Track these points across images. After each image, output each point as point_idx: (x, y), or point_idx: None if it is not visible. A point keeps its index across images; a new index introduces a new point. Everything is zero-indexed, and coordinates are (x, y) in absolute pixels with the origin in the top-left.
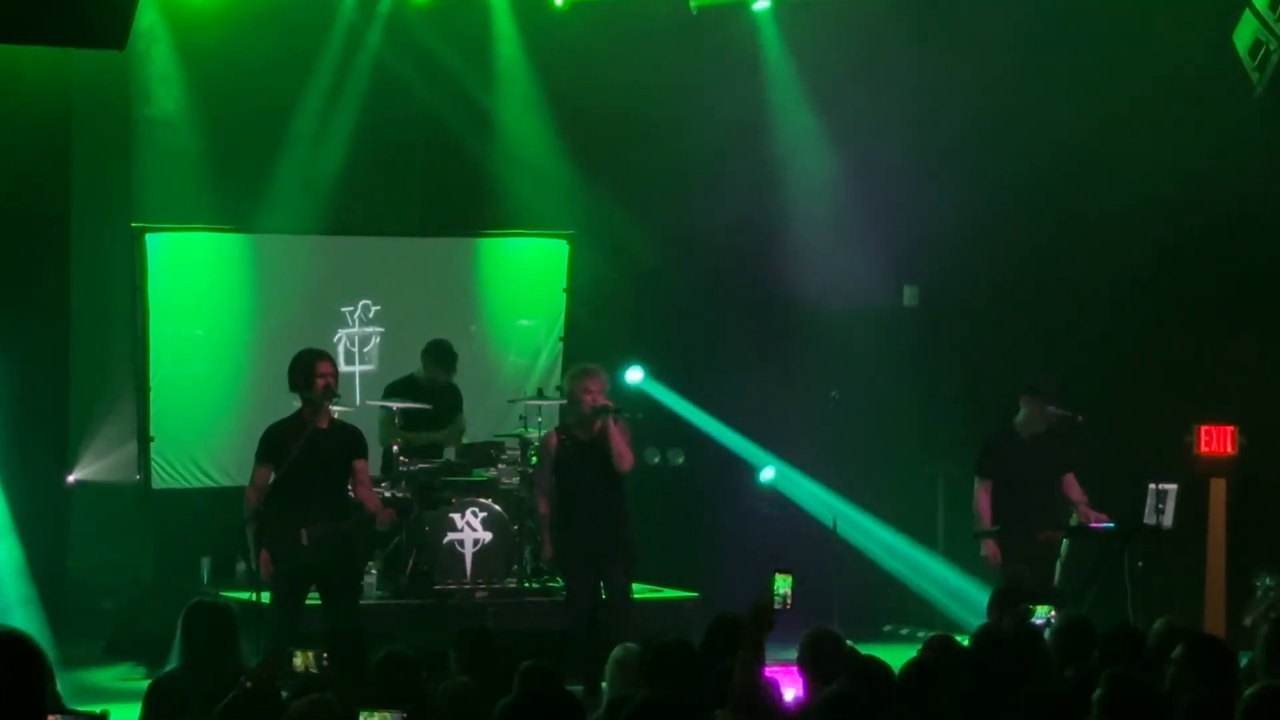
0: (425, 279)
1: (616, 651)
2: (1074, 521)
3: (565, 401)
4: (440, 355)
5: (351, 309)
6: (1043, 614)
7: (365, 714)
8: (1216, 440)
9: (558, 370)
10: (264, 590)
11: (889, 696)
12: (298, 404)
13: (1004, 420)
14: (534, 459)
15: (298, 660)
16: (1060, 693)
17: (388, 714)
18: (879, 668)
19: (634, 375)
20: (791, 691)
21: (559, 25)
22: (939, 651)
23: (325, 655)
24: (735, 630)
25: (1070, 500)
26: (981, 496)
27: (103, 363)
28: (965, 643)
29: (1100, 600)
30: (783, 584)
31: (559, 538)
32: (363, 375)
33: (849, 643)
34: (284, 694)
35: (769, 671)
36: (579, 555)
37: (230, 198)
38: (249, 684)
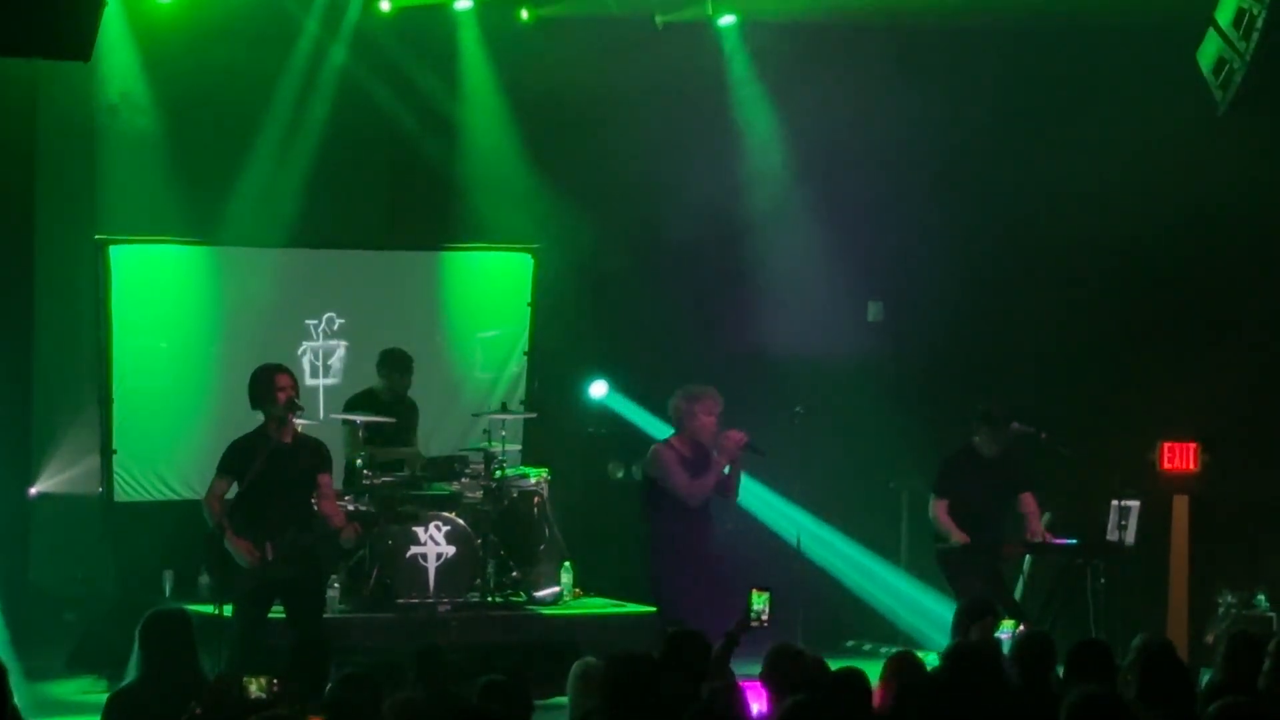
0: (390, 292)
1: (577, 666)
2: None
3: (675, 416)
4: (395, 363)
5: (316, 322)
6: (1008, 628)
7: None
8: (1179, 457)
9: (522, 384)
10: (227, 604)
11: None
12: (262, 417)
13: (966, 436)
14: (499, 473)
15: (250, 686)
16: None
17: None
18: (853, 676)
19: (598, 389)
20: (756, 706)
21: (525, 39)
22: (903, 669)
23: (276, 681)
24: (692, 644)
25: (1023, 514)
26: (941, 514)
27: (66, 375)
28: (927, 659)
29: (1062, 617)
30: (759, 601)
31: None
32: (327, 389)
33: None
34: None
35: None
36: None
37: (195, 210)
38: (198, 710)
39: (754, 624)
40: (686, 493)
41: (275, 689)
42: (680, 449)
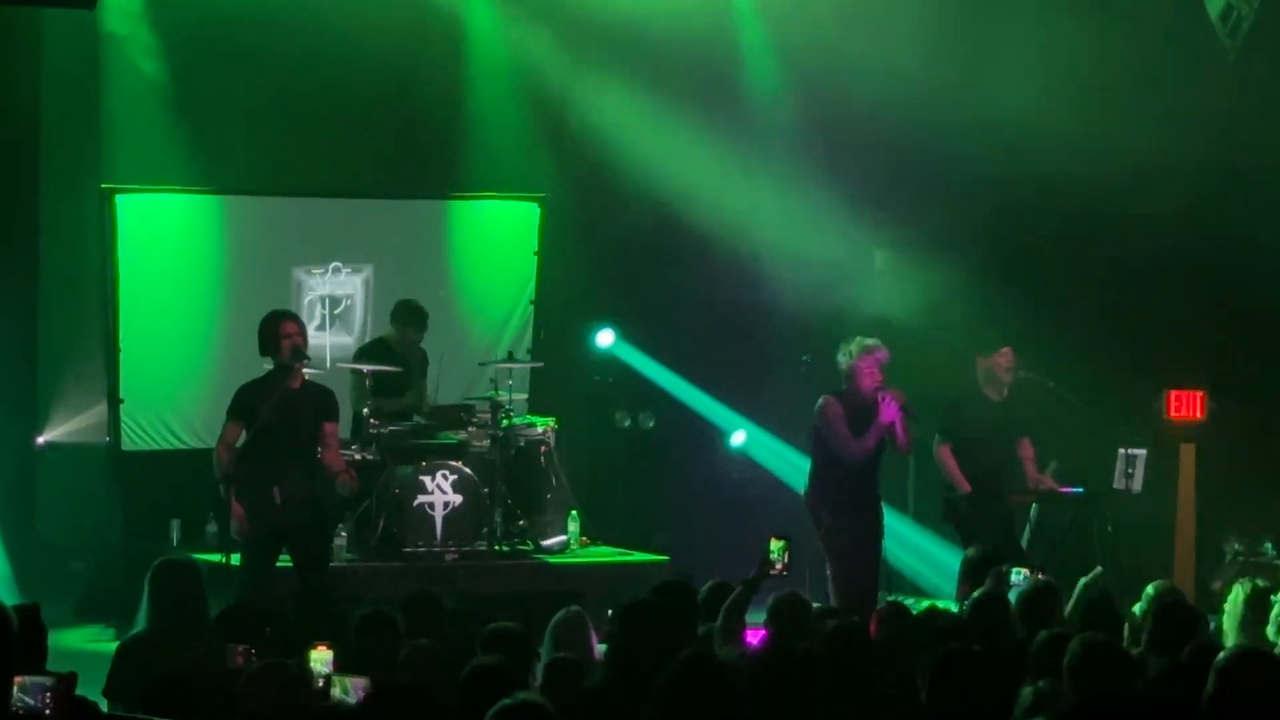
0: (396, 241)
1: (558, 615)
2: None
3: (843, 370)
4: (410, 315)
5: (322, 271)
6: (1018, 576)
7: (337, 678)
8: (1186, 405)
9: (528, 333)
10: (234, 552)
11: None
12: (269, 365)
13: (971, 381)
14: (506, 422)
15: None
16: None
17: (355, 678)
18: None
19: (605, 338)
20: None
21: None
22: (892, 619)
23: (254, 650)
24: (681, 592)
25: (1020, 459)
26: (946, 457)
27: (72, 324)
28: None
29: (1069, 565)
30: (777, 548)
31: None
32: (333, 337)
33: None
34: None
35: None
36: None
37: (201, 159)
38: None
39: (773, 572)
40: (846, 451)
41: (253, 655)
42: (847, 403)
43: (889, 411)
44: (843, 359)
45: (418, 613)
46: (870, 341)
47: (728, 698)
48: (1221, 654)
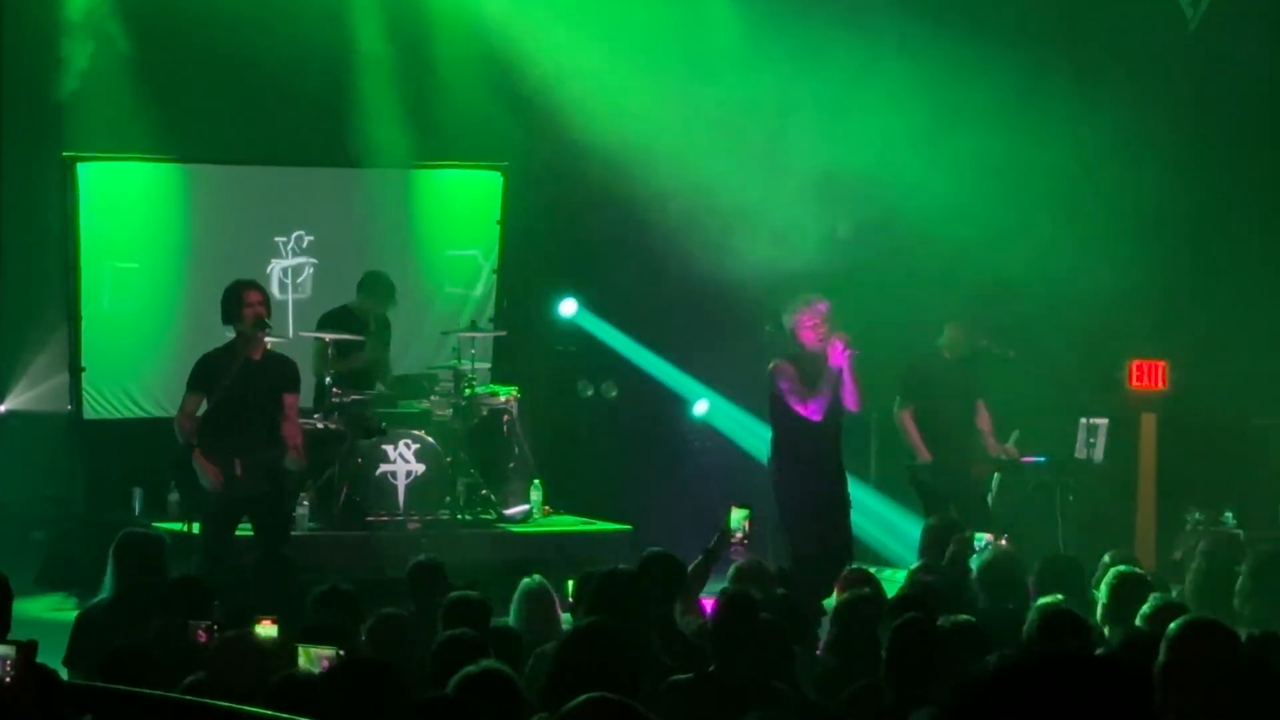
0: (359, 210)
1: (525, 582)
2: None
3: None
4: (378, 287)
5: (285, 240)
6: (981, 541)
7: (303, 648)
8: (1148, 375)
9: (491, 302)
10: (195, 521)
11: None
12: (232, 334)
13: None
14: (468, 391)
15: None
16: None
17: (326, 650)
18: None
19: (567, 307)
20: None
21: None
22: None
23: (215, 625)
24: (664, 564)
25: (979, 429)
26: (908, 422)
27: (34, 293)
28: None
29: (1030, 534)
30: (738, 517)
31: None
32: (296, 306)
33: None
34: None
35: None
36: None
37: (163, 127)
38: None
39: (733, 542)
40: (801, 406)
41: (216, 629)
42: (800, 363)
43: (836, 355)
44: (786, 320)
45: (423, 582)
46: (809, 295)
47: (621, 666)
48: (1173, 624)
